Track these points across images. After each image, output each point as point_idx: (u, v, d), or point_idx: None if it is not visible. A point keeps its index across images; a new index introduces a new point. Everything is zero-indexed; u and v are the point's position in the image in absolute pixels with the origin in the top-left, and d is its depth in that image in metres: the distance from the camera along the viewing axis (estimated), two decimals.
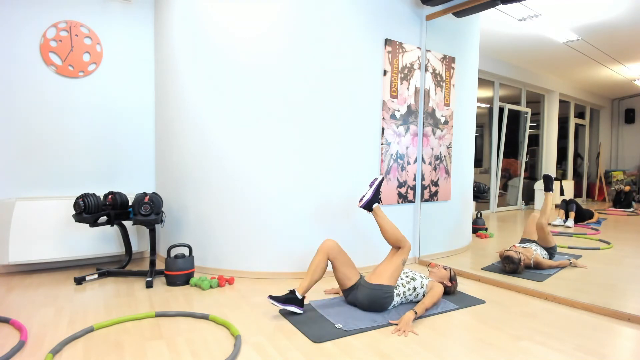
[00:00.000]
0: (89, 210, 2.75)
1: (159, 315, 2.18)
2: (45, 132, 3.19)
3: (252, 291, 2.64)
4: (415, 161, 3.42)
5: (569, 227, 3.98)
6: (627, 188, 4.04)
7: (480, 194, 4.35)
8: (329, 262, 2.32)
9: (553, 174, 4.36)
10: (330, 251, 2.30)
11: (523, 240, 3.38)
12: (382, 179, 2.50)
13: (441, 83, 3.54)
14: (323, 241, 2.39)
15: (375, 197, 2.45)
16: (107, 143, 3.44)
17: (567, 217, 4.05)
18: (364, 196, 2.46)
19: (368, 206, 2.44)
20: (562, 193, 4.32)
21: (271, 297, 2.16)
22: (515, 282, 2.78)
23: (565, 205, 4.08)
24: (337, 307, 2.31)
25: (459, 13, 3.34)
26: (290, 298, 2.19)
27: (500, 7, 3.24)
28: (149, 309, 2.28)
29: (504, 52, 4.19)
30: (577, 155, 4.43)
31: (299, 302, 2.20)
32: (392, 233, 2.34)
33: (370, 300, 2.21)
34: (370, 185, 2.49)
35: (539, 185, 4.34)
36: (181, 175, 3.22)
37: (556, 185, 4.32)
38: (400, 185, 3.33)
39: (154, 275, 2.88)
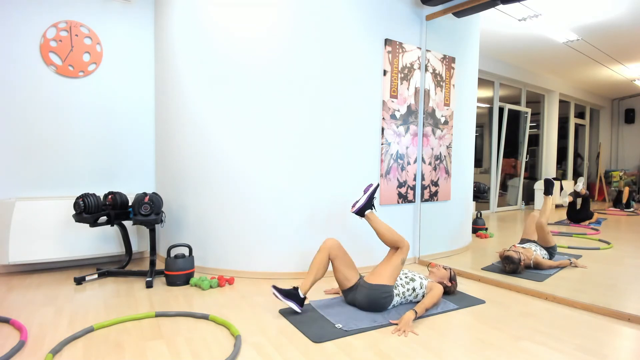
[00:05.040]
0: (89, 210, 2.75)
1: (159, 315, 2.18)
2: (45, 132, 3.19)
3: (252, 291, 2.64)
4: (415, 161, 3.42)
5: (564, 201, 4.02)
6: (627, 189, 4.05)
7: (480, 194, 4.35)
8: (330, 261, 2.32)
9: (553, 174, 4.36)
10: (332, 250, 2.30)
11: (523, 241, 3.38)
12: (377, 186, 2.46)
13: (441, 83, 3.54)
14: (325, 240, 2.41)
15: (369, 204, 2.42)
16: (107, 143, 3.44)
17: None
18: (357, 202, 2.43)
19: (360, 212, 2.41)
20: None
21: (275, 287, 2.18)
22: (515, 282, 2.78)
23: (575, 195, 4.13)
24: (337, 307, 2.31)
25: (459, 13, 3.34)
26: (292, 294, 2.20)
27: (500, 7, 3.24)
28: (149, 309, 2.28)
29: (504, 52, 4.19)
30: (577, 155, 4.43)
31: (300, 301, 2.20)
32: (389, 236, 2.32)
33: (369, 301, 2.21)
34: (365, 191, 2.46)
35: (539, 185, 4.34)
36: (181, 175, 3.22)
37: (556, 185, 4.32)
38: (400, 185, 3.33)
39: (154, 275, 2.88)
